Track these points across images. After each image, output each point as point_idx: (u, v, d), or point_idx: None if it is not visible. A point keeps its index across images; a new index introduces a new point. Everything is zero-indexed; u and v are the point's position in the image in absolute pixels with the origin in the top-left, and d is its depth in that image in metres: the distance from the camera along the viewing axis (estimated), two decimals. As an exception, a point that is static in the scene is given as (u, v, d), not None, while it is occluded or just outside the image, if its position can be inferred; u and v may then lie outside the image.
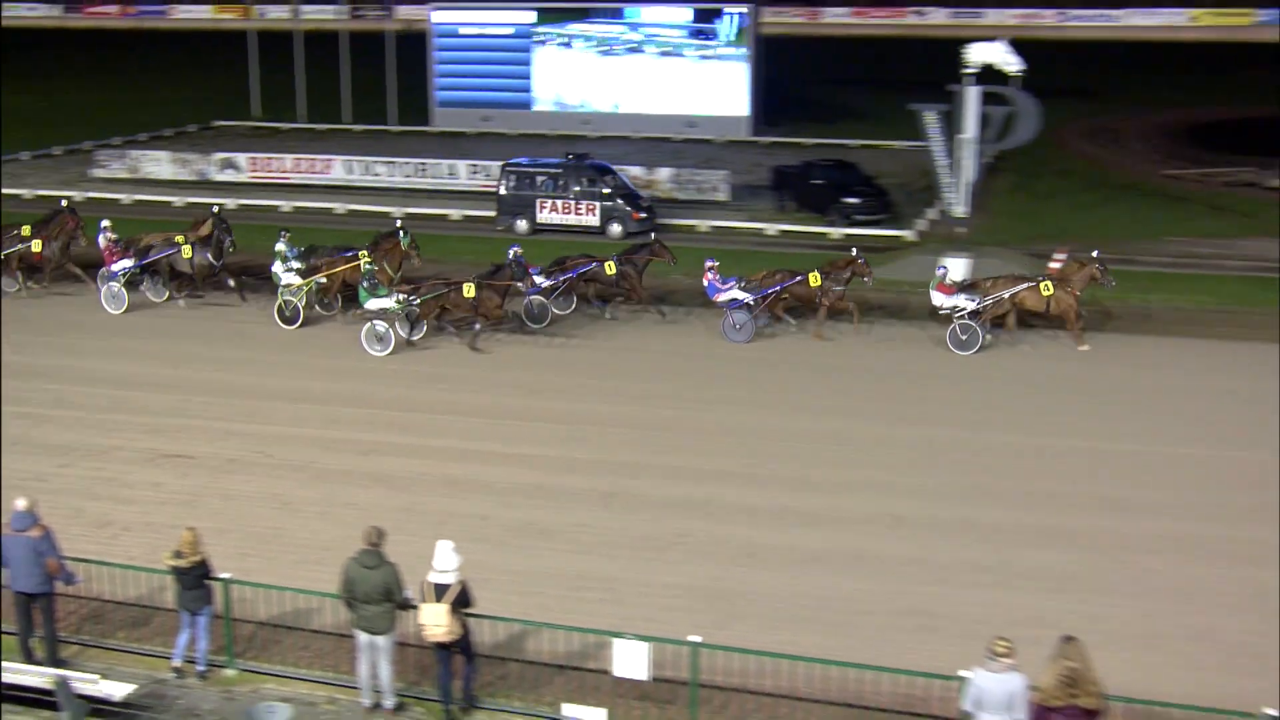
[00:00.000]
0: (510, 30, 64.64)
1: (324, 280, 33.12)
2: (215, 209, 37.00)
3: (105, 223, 35.16)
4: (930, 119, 37.83)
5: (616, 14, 63.46)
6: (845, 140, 59.84)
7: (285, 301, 32.80)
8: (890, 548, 20.93)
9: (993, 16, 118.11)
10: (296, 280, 32.75)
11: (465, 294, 31.15)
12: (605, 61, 63.49)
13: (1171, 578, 19.95)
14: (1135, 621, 18.57)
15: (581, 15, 63.97)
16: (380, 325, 30.84)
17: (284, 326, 32.64)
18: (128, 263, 34.28)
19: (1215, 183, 52.94)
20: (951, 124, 37.47)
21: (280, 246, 32.97)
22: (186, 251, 34.26)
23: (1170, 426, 26.43)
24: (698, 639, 15.67)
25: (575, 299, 33.66)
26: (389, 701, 16.28)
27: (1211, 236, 42.73)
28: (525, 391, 28.33)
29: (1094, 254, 31.52)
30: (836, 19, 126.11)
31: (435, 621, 15.58)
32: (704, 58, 62.34)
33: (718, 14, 62.18)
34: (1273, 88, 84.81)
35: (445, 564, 15.67)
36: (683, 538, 21.24)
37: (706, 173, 49.47)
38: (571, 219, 43.02)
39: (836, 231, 42.82)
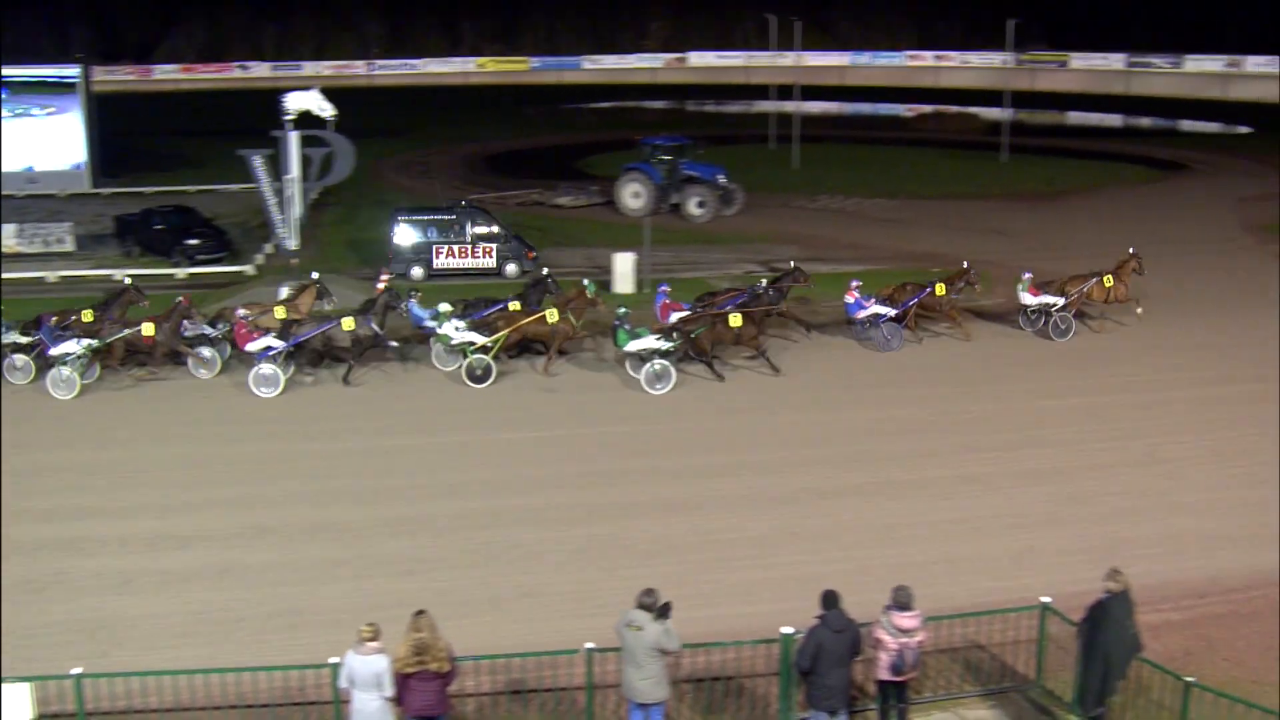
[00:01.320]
0: None
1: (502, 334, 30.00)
2: (315, 275, 32.69)
3: (180, 299, 30.53)
4: (258, 162, 37.33)
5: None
6: (184, 187, 57.77)
7: (476, 359, 29.23)
8: (256, 557, 20.53)
9: (309, 68, 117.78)
10: (479, 338, 29.45)
11: (731, 324, 29.49)
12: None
13: (502, 547, 20.71)
14: (476, 589, 19.18)
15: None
16: (660, 363, 28.51)
17: (474, 386, 29.15)
18: (274, 341, 29.12)
19: (511, 204, 55.17)
20: (277, 166, 37.17)
21: (445, 307, 29.89)
22: (348, 324, 29.93)
23: (502, 417, 27.47)
24: (79, 670, 14.79)
25: None
26: None
27: (513, 250, 44.45)
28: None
29: (1130, 250, 34.62)
30: (167, 75, 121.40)
31: None
32: (38, 116, 58.66)
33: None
34: (548, 122, 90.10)
35: None
36: (60, 576, 19.93)
37: (51, 226, 46.56)
38: (469, 262, 40.14)
39: (182, 271, 41.43)
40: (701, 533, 21.15)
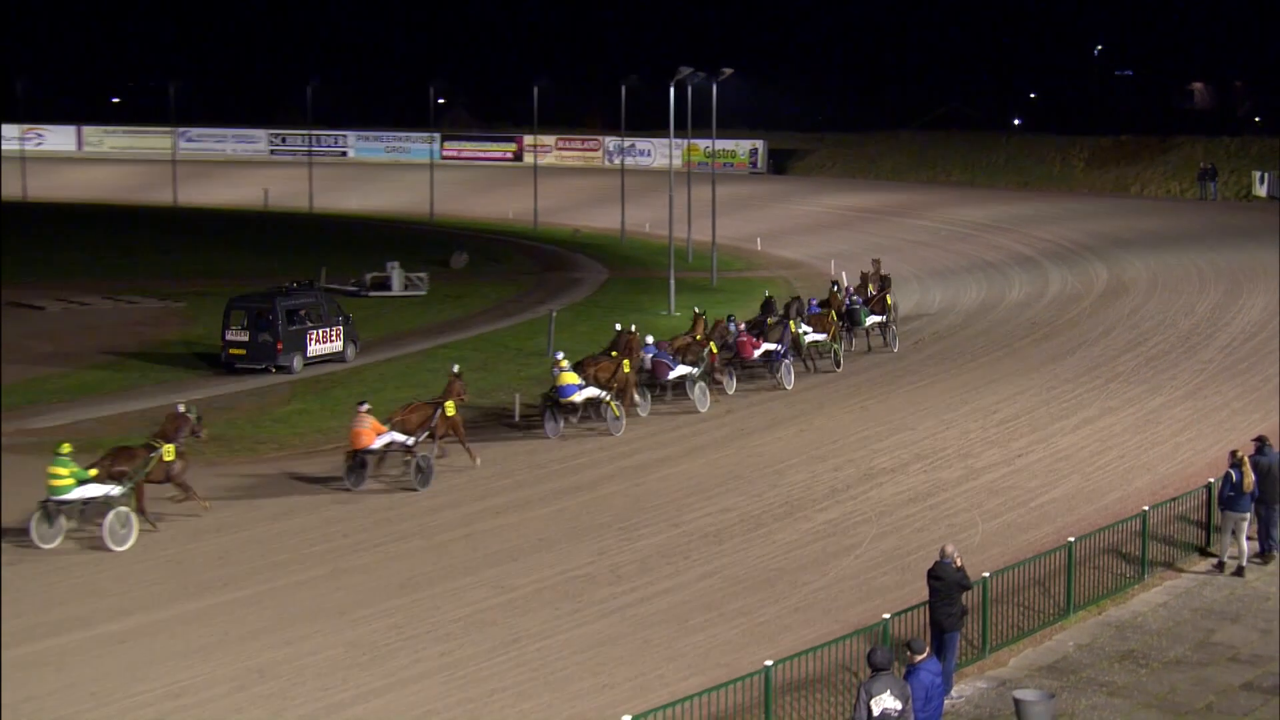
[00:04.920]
0: None
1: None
2: (697, 310, 38.52)
3: (719, 320, 37.44)
4: None
5: None
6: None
7: (836, 348, 39.02)
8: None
9: None
10: (821, 335, 38.79)
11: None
12: None
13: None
14: None
15: None
16: (891, 330, 43.00)
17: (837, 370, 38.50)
18: (774, 346, 37.08)
19: None
20: None
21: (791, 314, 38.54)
22: (794, 326, 38.08)
23: None
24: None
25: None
26: None
27: None
28: None
29: (874, 258, 49.63)
30: None
31: None
32: None
33: None
34: None
35: None
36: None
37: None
38: (327, 348, 38.90)
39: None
40: None
